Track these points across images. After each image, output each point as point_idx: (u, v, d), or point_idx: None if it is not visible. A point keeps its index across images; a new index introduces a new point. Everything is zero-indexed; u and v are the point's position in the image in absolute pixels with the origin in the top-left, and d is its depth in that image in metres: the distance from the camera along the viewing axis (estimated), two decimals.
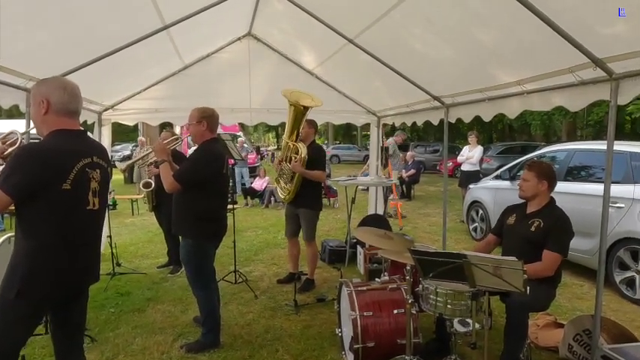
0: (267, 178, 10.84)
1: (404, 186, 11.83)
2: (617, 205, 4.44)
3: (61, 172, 1.80)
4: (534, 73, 3.19)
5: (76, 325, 2.10)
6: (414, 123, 5.79)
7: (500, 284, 2.08)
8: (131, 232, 7.45)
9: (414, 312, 2.76)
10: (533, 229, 2.85)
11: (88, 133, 2.29)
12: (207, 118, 3.09)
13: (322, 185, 9.69)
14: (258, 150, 15.89)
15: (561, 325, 3.32)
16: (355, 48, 4.28)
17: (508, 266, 2.00)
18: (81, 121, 5.55)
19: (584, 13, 2.41)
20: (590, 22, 2.45)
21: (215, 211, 3.14)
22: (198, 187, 2.98)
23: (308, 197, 4.36)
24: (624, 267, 4.42)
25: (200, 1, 3.53)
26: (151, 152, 3.44)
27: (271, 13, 4.63)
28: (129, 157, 15.19)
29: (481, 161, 9.87)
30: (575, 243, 4.59)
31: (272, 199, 10.27)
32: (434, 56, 3.88)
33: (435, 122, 5.10)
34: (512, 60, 3.29)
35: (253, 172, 12.71)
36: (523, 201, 3.07)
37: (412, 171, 11.91)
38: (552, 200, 2.94)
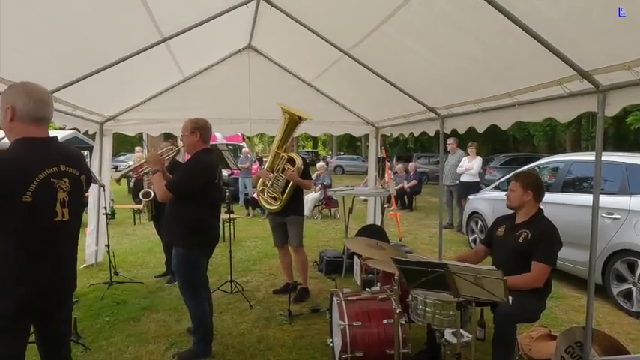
0: None
1: (405, 197, 11.82)
2: (614, 216, 4.41)
3: (20, 184, 1.71)
4: (524, 85, 3.22)
5: (57, 338, 2.03)
6: (411, 134, 5.84)
7: (482, 293, 2.08)
8: (132, 242, 7.51)
9: (403, 322, 2.77)
10: (521, 240, 2.86)
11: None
12: (199, 129, 3.14)
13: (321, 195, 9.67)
14: (260, 161, 15.94)
15: (555, 337, 3.29)
16: (352, 60, 4.34)
17: (488, 275, 2.01)
18: (82, 131, 5.75)
19: (569, 26, 2.45)
20: (575, 36, 2.49)
21: (206, 221, 3.17)
22: (190, 197, 3.02)
23: (295, 204, 4.42)
24: (621, 279, 4.37)
25: (197, 15, 3.62)
26: (144, 162, 3.49)
27: (270, 26, 4.71)
28: None
29: (483, 172, 9.81)
30: (573, 254, 4.60)
31: None
32: (427, 68, 3.92)
33: (431, 133, 5.15)
34: (503, 72, 3.32)
35: None
36: (513, 212, 3.09)
37: (414, 182, 11.93)
38: (540, 211, 2.95)
